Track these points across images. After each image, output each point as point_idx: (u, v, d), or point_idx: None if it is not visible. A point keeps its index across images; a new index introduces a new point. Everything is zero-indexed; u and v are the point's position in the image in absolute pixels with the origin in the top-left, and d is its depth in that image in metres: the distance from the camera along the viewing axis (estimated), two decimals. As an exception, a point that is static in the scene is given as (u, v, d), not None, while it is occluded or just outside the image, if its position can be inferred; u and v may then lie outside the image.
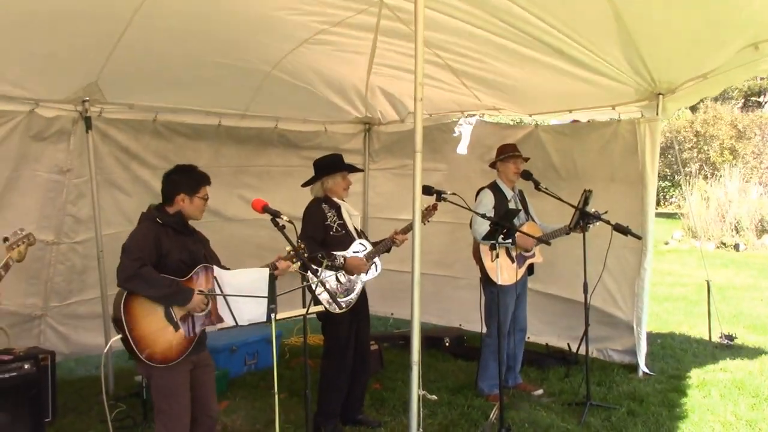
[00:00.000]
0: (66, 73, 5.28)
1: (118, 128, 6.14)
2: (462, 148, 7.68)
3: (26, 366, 4.74)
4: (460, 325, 7.84)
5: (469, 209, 5.25)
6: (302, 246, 4.17)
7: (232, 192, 7.14)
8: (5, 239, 3.53)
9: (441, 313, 7.93)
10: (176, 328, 3.87)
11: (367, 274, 5.19)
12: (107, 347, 4.10)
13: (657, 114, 6.09)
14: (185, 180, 4.08)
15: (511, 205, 5.89)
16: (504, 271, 5.70)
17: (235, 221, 7.10)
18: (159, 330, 3.83)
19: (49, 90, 5.43)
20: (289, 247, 4.17)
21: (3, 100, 5.22)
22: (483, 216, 5.27)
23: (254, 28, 5.22)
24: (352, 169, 5.45)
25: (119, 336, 3.80)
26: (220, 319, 3.98)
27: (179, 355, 3.87)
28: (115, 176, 6.24)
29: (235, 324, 3.58)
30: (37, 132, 5.57)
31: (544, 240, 5.54)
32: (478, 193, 6.02)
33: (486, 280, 5.85)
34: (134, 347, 3.75)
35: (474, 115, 7.54)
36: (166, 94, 6.07)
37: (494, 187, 5.99)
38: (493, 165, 6.11)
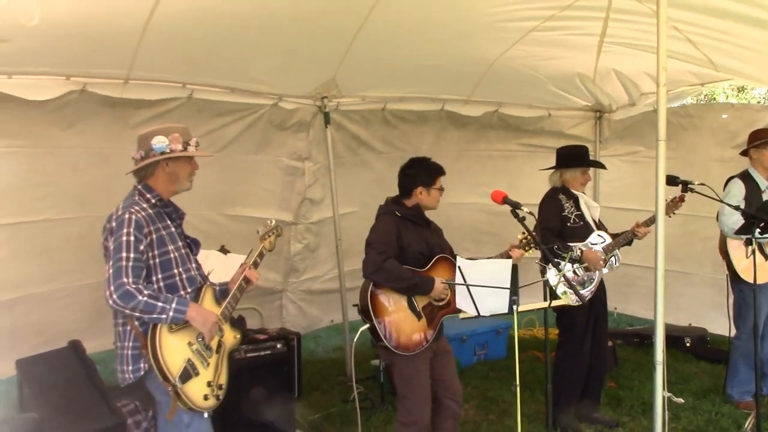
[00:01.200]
0: (307, 70, 5.59)
1: (350, 119, 6.42)
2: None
3: (278, 345, 5.10)
4: (690, 324, 7.32)
5: (721, 201, 4.84)
6: (527, 237, 4.16)
7: (452, 176, 7.16)
8: (258, 231, 3.85)
9: (669, 311, 7.34)
10: (419, 317, 4.00)
11: (605, 267, 5.00)
12: (356, 337, 4.21)
13: None
14: (422, 173, 4.19)
15: (766, 197, 5.35)
16: (759, 269, 5.18)
17: (454, 204, 7.02)
18: (403, 320, 3.97)
19: (291, 86, 5.78)
20: (520, 235, 4.20)
21: (250, 95, 5.63)
22: (737, 208, 4.83)
23: (483, 21, 5.17)
24: (596, 165, 5.31)
25: (367, 326, 3.99)
26: (459, 310, 4.00)
27: (422, 344, 3.99)
28: (344, 161, 6.54)
29: (477, 314, 3.59)
30: (280, 122, 5.98)
31: (808, 235, 4.98)
32: (726, 183, 5.54)
33: (735, 278, 5.37)
34: (381, 335, 3.93)
35: (713, 88, 6.81)
36: (395, 85, 6.23)
37: (746, 177, 5.46)
38: (744, 153, 5.59)
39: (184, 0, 4.01)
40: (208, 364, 3.25)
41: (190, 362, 3.16)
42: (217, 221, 5.87)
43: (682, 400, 5.43)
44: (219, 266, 4.70)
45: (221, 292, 3.54)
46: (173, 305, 3.12)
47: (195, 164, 3.47)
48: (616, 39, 5.88)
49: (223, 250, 4.97)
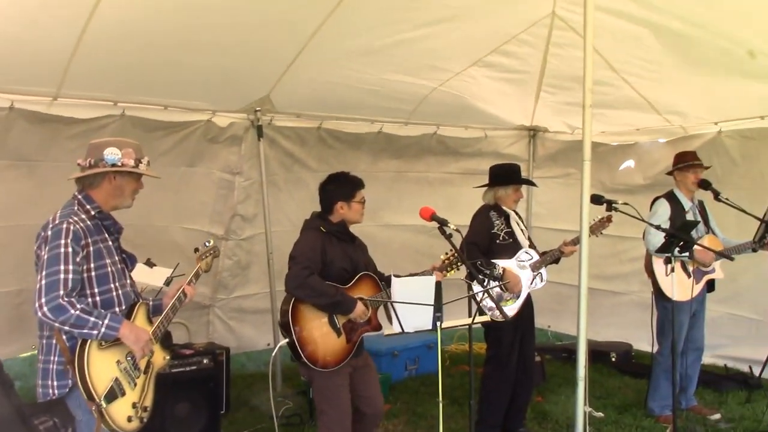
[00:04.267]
0: (242, 87, 5.56)
1: (284, 135, 6.41)
2: (629, 163, 7.35)
3: (205, 360, 5.04)
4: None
5: (643, 220, 4.98)
6: (452, 256, 4.26)
7: (390, 197, 7.26)
8: (196, 249, 3.81)
9: (599, 329, 7.59)
10: (338, 334, 4.01)
11: (531, 285, 5.08)
12: (275, 349, 4.30)
13: None
14: (341, 187, 4.21)
15: (689, 217, 5.53)
16: (679, 287, 5.34)
17: (392, 226, 7.24)
18: (323, 335, 3.98)
19: (225, 103, 5.75)
20: (443, 256, 4.30)
21: (183, 112, 5.60)
22: (658, 227, 4.98)
23: (428, 53, 5.30)
24: (527, 182, 5.45)
25: (287, 340, 3.97)
26: (379, 327, 4.15)
27: (341, 361, 4.01)
28: (277, 178, 6.54)
29: (401, 331, 3.61)
30: (213, 136, 5.94)
31: (726, 255, 5.17)
32: (653, 203, 5.71)
33: (659, 295, 5.52)
34: (300, 351, 3.92)
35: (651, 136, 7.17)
36: (332, 106, 6.24)
37: (671, 197, 5.64)
38: (670, 173, 5.77)
39: (117, 19, 3.94)
40: (135, 385, 3.16)
41: (117, 381, 3.06)
42: (145, 232, 5.75)
43: (603, 415, 5.61)
44: (144, 279, 4.65)
45: (154, 308, 3.46)
46: (106, 321, 3.02)
47: (141, 183, 3.41)
48: (556, 73, 6.08)
49: (149, 263, 4.89)
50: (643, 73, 5.68)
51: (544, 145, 8.03)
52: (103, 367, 3.03)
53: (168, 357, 3.44)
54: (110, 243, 3.30)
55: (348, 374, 4.08)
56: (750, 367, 6.46)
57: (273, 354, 4.45)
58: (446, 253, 4.34)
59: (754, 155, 6.40)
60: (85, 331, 2.98)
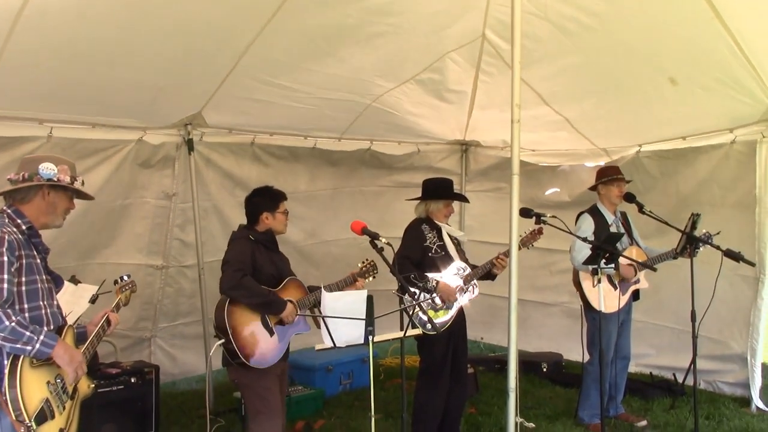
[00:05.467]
0: (172, 104, 5.47)
1: (220, 153, 6.30)
2: (554, 190, 7.58)
3: (132, 380, 4.92)
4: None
5: (571, 233, 5.11)
6: (368, 264, 4.57)
7: (328, 213, 7.27)
8: (116, 281, 3.81)
9: (530, 339, 7.78)
10: (271, 333, 4.18)
11: (462, 298, 5.13)
12: (210, 351, 4.47)
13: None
14: (265, 199, 4.48)
15: (613, 230, 5.68)
16: (606, 298, 5.48)
17: (329, 242, 7.26)
18: (256, 335, 4.15)
19: (155, 120, 5.65)
20: (360, 264, 4.57)
21: (112, 130, 5.47)
22: (584, 240, 5.11)
23: (362, 67, 5.36)
24: (460, 198, 5.62)
25: (221, 341, 4.13)
26: (308, 327, 4.36)
27: (274, 359, 4.17)
28: (222, 203, 6.42)
29: (333, 345, 3.60)
30: (145, 160, 5.81)
31: (648, 265, 5.34)
32: (577, 218, 5.85)
33: (587, 307, 5.65)
34: (236, 350, 4.05)
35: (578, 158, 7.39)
36: (265, 121, 6.21)
37: (594, 211, 5.79)
38: (593, 188, 5.93)
39: (39, 33, 3.84)
40: (64, 409, 3.03)
41: (48, 403, 2.92)
42: (83, 271, 5.50)
43: (533, 425, 5.69)
44: (69, 296, 4.51)
45: (78, 336, 3.32)
46: (41, 337, 2.89)
47: (72, 203, 3.34)
48: (488, 94, 6.24)
49: (74, 281, 4.76)
50: (568, 100, 5.89)
51: (477, 159, 8.17)
52: (34, 387, 2.90)
53: (93, 385, 3.35)
54: (38, 261, 3.18)
55: (277, 376, 4.25)
56: (674, 375, 6.67)
57: (208, 358, 4.57)
58: (363, 261, 4.57)
59: (672, 173, 6.69)
60: (19, 345, 2.85)
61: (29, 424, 2.82)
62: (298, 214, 6.28)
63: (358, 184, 7.61)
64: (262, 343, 4.16)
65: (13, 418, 2.82)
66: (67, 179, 3.24)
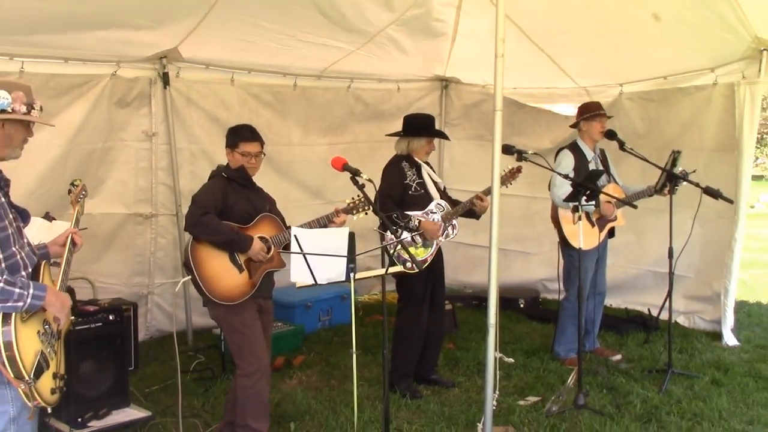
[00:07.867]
0: (148, 41, 5.31)
1: (200, 93, 6.16)
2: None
3: (110, 317, 4.87)
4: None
5: (552, 170, 5.08)
6: (354, 202, 4.39)
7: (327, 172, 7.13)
8: (69, 191, 3.57)
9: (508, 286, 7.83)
10: (240, 270, 4.12)
11: (442, 237, 5.12)
12: (179, 284, 4.73)
13: (759, 71, 5.69)
14: (229, 136, 4.37)
15: (592, 166, 5.66)
16: (585, 235, 5.50)
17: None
18: (224, 271, 4.09)
19: (130, 55, 5.49)
20: (348, 200, 4.43)
21: (85, 64, 5.31)
22: (566, 177, 5.09)
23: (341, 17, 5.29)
24: (441, 135, 5.57)
25: (188, 277, 4.13)
26: (283, 264, 4.23)
27: (244, 295, 4.10)
28: (214, 148, 6.16)
29: (314, 282, 3.57)
30: (121, 97, 5.66)
31: (628, 202, 5.34)
32: (557, 154, 5.81)
33: (565, 244, 5.68)
34: (202, 286, 4.03)
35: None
36: (243, 57, 6.06)
37: (574, 148, 5.76)
38: (575, 125, 5.88)
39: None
40: (55, 354, 2.90)
41: (43, 355, 2.78)
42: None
43: (512, 360, 5.77)
44: (44, 235, 4.40)
45: (42, 256, 3.10)
46: (31, 291, 2.71)
47: (31, 131, 3.01)
48: (469, 29, 6.16)
49: (48, 217, 4.63)
50: (550, 35, 5.79)
51: (459, 95, 8.04)
52: (28, 342, 2.73)
53: (72, 317, 3.17)
54: (2, 199, 2.89)
55: (255, 312, 4.19)
56: (648, 310, 6.79)
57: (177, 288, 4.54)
58: (353, 198, 4.39)
59: (654, 117, 6.67)
60: (10, 304, 2.66)
61: (29, 381, 2.68)
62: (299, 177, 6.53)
63: (353, 140, 7.47)
64: (230, 279, 4.08)
65: (11, 377, 2.67)
66: (23, 109, 2.91)
